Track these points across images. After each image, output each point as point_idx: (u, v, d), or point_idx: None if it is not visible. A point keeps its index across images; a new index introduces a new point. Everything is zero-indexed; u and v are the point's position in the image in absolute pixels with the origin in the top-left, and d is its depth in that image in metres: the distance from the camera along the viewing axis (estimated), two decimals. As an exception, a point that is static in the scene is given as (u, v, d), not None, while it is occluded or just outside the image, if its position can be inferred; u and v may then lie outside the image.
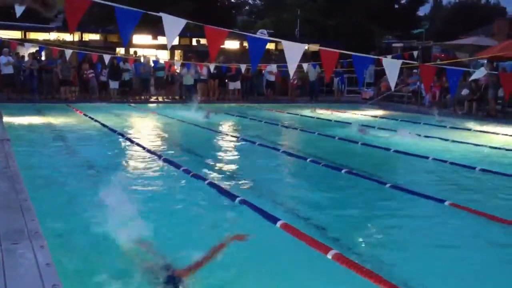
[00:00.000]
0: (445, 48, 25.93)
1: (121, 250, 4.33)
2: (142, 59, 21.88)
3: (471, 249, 4.76)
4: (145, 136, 11.59)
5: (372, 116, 17.36)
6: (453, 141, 11.39)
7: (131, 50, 24.14)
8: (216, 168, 8.20)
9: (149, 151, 9.24)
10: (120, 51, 24.75)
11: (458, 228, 5.34)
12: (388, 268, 4.13)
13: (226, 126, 14.23)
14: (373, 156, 9.80)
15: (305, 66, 17.06)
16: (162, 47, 24.91)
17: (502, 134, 12.74)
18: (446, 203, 5.96)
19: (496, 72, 13.92)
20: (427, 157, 9.14)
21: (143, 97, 21.47)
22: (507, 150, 10.31)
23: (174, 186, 6.78)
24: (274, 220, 5.05)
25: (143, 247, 4.37)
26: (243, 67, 17.12)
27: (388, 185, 6.87)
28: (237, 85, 22.25)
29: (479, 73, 10.95)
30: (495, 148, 10.55)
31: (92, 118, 14.14)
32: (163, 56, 25.81)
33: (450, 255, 4.58)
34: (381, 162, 9.36)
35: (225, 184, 6.88)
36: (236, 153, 9.96)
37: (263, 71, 22.41)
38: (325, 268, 4.08)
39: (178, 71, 22.12)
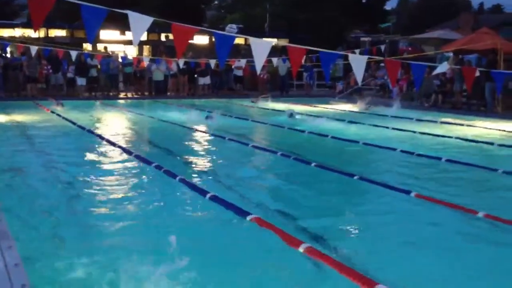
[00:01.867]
0: (411, 41, 26.34)
1: (89, 247, 4.33)
2: (110, 55, 21.63)
3: (436, 239, 4.88)
4: (115, 133, 11.49)
5: (341, 110, 17.55)
6: (420, 132, 11.66)
7: (99, 46, 23.84)
8: (188, 164, 8.21)
9: (120, 147, 9.19)
10: (88, 47, 24.40)
11: (424, 218, 5.47)
12: (356, 259, 4.21)
13: (197, 122, 14.22)
14: (343, 149, 9.93)
15: (275, 60, 17.19)
16: (130, 42, 24.53)
17: (467, 126, 13.07)
18: (412, 194, 6.11)
19: (458, 67, 14.24)
20: (394, 149, 9.33)
21: (111, 94, 21.24)
22: (471, 141, 10.60)
23: (145, 183, 6.76)
24: (245, 214, 5.10)
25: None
26: (212, 62, 17.11)
27: (356, 177, 6.99)
28: (207, 80, 22.21)
29: (442, 68, 11.20)
30: (460, 139, 10.83)
31: (60, 115, 13.94)
32: (132, 51, 25.55)
33: (415, 245, 4.70)
34: (350, 155, 9.50)
35: (196, 180, 6.90)
36: (206, 148, 9.97)
37: (233, 66, 22.44)
38: (296, 261, 4.15)
39: (147, 66, 21.94)
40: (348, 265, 3.94)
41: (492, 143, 10.28)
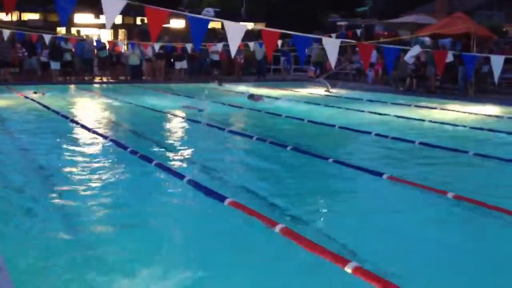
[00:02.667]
0: (387, 26, 26.52)
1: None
2: (84, 39, 21.32)
3: (408, 219, 5.00)
4: (90, 118, 11.40)
5: (317, 94, 17.66)
6: (395, 116, 11.84)
7: (73, 30, 23.47)
8: (164, 148, 8.21)
9: (95, 132, 9.13)
10: (62, 30, 24.01)
11: (395, 199, 5.61)
12: (330, 239, 4.31)
13: (173, 107, 14.18)
14: (318, 132, 10.03)
15: (251, 45, 17.15)
16: (105, 26, 24.34)
17: (440, 109, 13.29)
18: (384, 176, 6.23)
19: (429, 50, 14.41)
20: (369, 132, 9.47)
21: (86, 78, 20.98)
22: (444, 124, 10.80)
23: (120, 167, 6.75)
24: (222, 198, 5.15)
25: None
26: (189, 46, 17.01)
27: (330, 159, 7.10)
28: (183, 64, 22.09)
29: (414, 51, 11.33)
30: (433, 122, 11.03)
31: (34, 100, 13.75)
32: (107, 35, 25.23)
33: (386, 225, 4.83)
34: (326, 138, 9.60)
35: (173, 164, 6.93)
36: (183, 133, 9.98)
37: (209, 51, 22.32)
38: (273, 242, 4.22)
39: (122, 50, 21.71)
40: (322, 245, 4.02)
41: (464, 126, 10.50)
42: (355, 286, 3.46)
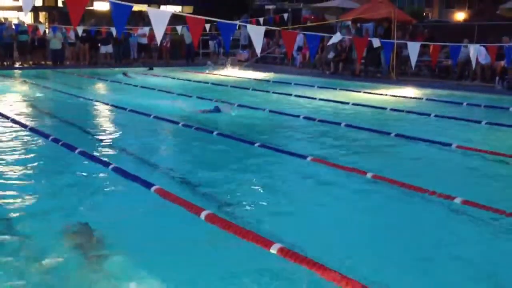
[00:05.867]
0: (314, 10, 26.96)
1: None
2: (3, 22, 20.24)
3: (331, 199, 5.18)
4: (8, 105, 10.89)
5: (246, 78, 17.74)
6: (321, 99, 12.13)
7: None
8: (88, 136, 8.01)
9: (13, 121, 8.75)
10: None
11: (318, 180, 5.78)
12: (256, 222, 4.40)
13: (99, 92, 13.83)
14: (247, 116, 10.07)
15: (179, 28, 16.91)
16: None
17: (363, 92, 13.74)
18: (308, 158, 6.41)
19: (350, 37, 14.83)
20: (297, 116, 9.65)
21: (6, 63, 19.98)
22: (367, 106, 11.18)
23: (42, 157, 6.54)
24: (148, 185, 5.12)
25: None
26: (114, 30, 16.53)
27: (256, 144, 7.19)
28: (109, 48, 21.49)
29: (336, 38, 11.61)
30: (357, 105, 11.39)
31: None
32: (27, 18, 24.04)
33: (309, 204, 5.02)
34: (253, 122, 9.68)
35: (98, 152, 6.78)
36: (108, 120, 9.76)
37: (135, 34, 21.82)
38: (199, 228, 4.25)
39: (44, 34, 20.78)
40: (248, 228, 4.10)
41: (386, 108, 10.93)
42: (282, 267, 3.56)
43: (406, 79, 16.72)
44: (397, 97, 12.97)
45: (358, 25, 19.34)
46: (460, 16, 36.25)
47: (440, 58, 15.98)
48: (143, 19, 23.27)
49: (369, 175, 5.69)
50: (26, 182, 5.46)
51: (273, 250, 3.65)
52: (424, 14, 33.05)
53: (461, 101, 12.06)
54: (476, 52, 11.23)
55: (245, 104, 10.99)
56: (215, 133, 7.93)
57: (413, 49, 9.54)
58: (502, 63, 14.21)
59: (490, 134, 8.63)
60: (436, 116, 10.01)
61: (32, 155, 6.62)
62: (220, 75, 18.60)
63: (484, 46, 12.08)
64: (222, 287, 3.40)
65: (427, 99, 12.63)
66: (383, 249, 4.04)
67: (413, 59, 9.77)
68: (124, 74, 17.59)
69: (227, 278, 3.48)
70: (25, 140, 7.45)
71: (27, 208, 4.70)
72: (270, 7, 27.85)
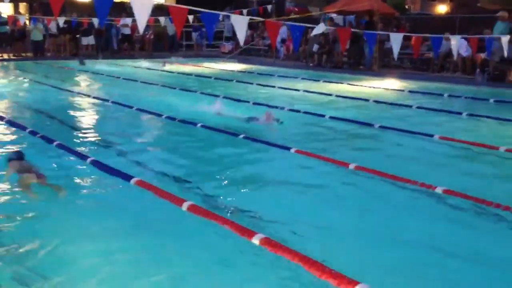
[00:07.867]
0: (298, 2, 26.91)
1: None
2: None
3: (315, 191, 5.18)
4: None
5: (230, 70, 17.69)
6: (305, 91, 12.15)
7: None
8: (67, 128, 7.91)
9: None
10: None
11: (300, 172, 5.78)
12: (243, 213, 4.40)
13: (79, 84, 13.67)
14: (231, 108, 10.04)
15: (162, 20, 16.77)
16: (3, -1, 22.77)
17: (346, 84, 13.78)
18: (292, 150, 6.41)
19: (334, 28, 14.84)
20: (282, 108, 9.64)
21: (-15, 55, 19.68)
22: (350, 98, 11.22)
23: (19, 149, 6.42)
24: (127, 177, 5.08)
25: None
26: (95, 21, 16.35)
27: (241, 135, 7.17)
28: (90, 40, 21.27)
29: (319, 29, 11.62)
30: (340, 96, 11.43)
31: None
32: (6, 9, 23.63)
33: (291, 193, 5.05)
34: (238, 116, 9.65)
35: (77, 145, 6.70)
36: (88, 112, 9.63)
37: (118, 25, 21.59)
38: (181, 219, 4.23)
39: (24, 25, 20.46)
40: (231, 219, 4.10)
41: (368, 100, 10.98)
42: (263, 257, 3.57)
43: (388, 71, 16.82)
44: (380, 89, 13.04)
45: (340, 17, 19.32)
46: (442, 8, 36.46)
47: (422, 51, 16.09)
48: (125, 9, 23.06)
49: (351, 166, 5.71)
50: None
51: (256, 240, 3.66)
52: (407, 6, 33.18)
53: (442, 93, 12.17)
54: (457, 44, 11.32)
55: (229, 96, 10.94)
56: (198, 125, 7.88)
57: (396, 40, 9.59)
58: (483, 55, 14.35)
59: (471, 125, 8.73)
60: (418, 107, 10.09)
61: (8, 147, 6.45)
62: (204, 67, 18.50)
63: (465, 38, 12.18)
64: (207, 278, 3.39)
65: (409, 91, 12.71)
66: (366, 239, 4.06)
67: (396, 50, 9.83)
68: (81, 62, 17.83)
69: (211, 268, 3.48)
70: (1, 132, 7.32)
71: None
72: (254, -2, 27.76)
